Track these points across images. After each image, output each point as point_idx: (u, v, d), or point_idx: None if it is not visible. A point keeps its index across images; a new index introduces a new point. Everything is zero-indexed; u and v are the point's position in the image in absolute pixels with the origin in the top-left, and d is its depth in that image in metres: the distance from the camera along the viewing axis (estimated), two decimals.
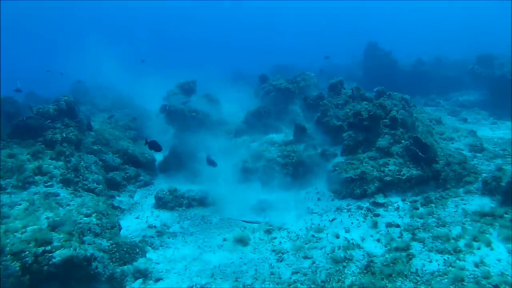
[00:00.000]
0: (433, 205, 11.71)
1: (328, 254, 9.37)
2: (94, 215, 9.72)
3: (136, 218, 12.06)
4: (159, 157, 17.08)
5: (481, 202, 11.39)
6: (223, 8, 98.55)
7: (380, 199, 12.23)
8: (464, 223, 10.31)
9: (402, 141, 13.91)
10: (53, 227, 8.15)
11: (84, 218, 9.39)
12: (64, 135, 13.58)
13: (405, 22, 78.45)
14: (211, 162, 12.35)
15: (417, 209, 11.56)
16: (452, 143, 16.37)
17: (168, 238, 10.64)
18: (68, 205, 10.15)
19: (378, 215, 11.39)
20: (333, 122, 15.51)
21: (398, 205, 11.92)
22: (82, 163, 12.91)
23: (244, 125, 17.91)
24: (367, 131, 14.37)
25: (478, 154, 15.41)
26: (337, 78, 17.99)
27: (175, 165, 16.06)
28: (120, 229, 10.01)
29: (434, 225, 10.43)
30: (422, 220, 10.78)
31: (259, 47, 68.22)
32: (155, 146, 11.76)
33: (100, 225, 9.38)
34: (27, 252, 7.15)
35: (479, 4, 75.92)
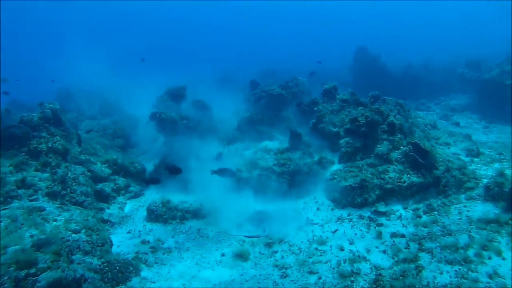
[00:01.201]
0: (436, 212, 11.33)
1: (334, 268, 8.86)
2: (83, 231, 9.00)
3: (128, 232, 11.34)
4: (149, 166, 16.38)
5: (484, 209, 11.06)
6: (209, 10, 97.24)
7: (381, 207, 11.80)
8: (470, 231, 9.92)
9: (401, 147, 13.54)
10: (38, 246, 7.46)
11: (73, 235, 8.66)
12: (50, 145, 12.84)
13: (395, 25, 78.73)
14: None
15: (420, 217, 11.18)
16: (449, 148, 16.11)
17: (163, 254, 9.97)
18: (55, 220, 9.40)
19: (381, 224, 10.95)
20: (329, 129, 15.09)
21: (400, 213, 11.52)
22: (69, 175, 12.16)
23: (237, 132, 17.36)
24: (365, 138, 13.97)
25: (476, 159, 15.17)
26: (331, 83, 17.62)
27: (166, 175, 15.35)
28: (111, 245, 9.32)
29: (440, 234, 10.03)
30: (427, 229, 10.38)
31: (245, 50, 67.44)
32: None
33: (90, 242, 8.68)
34: (7, 278, 6.43)
35: (467, 5, 76.78)
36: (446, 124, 21.09)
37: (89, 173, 13.15)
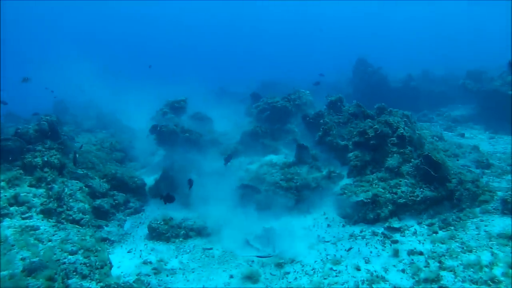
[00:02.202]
0: (452, 227, 10.70)
1: None
2: (80, 252, 8.29)
3: (128, 252, 10.59)
4: (149, 181, 15.69)
5: (503, 223, 10.44)
6: (202, 21, 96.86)
7: (395, 223, 11.17)
8: (491, 247, 9.30)
9: (412, 160, 12.99)
10: (30, 270, 6.77)
11: (69, 257, 7.96)
12: (46, 159, 12.14)
13: (394, 35, 78.89)
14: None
15: (437, 233, 10.54)
16: (458, 160, 15.56)
17: (167, 276, 9.23)
18: (50, 240, 8.71)
19: (396, 241, 10.30)
20: (337, 142, 14.52)
21: (415, 229, 10.88)
22: (66, 190, 11.45)
23: (240, 145, 16.75)
24: (374, 151, 13.42)
25: (487, 171, 14.62)
26: (336, 95, 17.14)
27: (167, 190, 14.65)
28: (111, 267, 8.57)
29: (459, 250, 9.40)
30: (445, 245, 9.74)
31: (241, 60, 67.01)
32: (169, 198, 11.05)
33: (88, 264, 7.95)
34: None
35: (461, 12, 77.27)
36: (451, 135, 20.61)
37: (86, 189, 12.43)
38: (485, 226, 10.55)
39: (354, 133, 14.35)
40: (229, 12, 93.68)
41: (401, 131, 13.64)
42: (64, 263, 7.63)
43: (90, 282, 7.60)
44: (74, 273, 7.53)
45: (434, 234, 10.47)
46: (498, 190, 12.57)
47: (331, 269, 9.08)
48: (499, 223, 10.54)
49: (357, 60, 30.44)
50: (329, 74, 32.91)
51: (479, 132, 21.32)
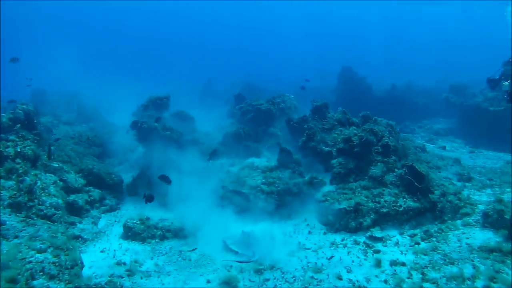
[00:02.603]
0: (434, 239, 10.62)
1: None
2: (50, 250, 7.72)
3: (102, 251, 10.05)
4: (127, 178, 15.13)
5: (484, 237, 10.44)
6: (188, 21, 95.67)
7: (377, 233, 10.99)
8: (473, 260, 9.25)
9: (395, 169, 12.91)
10: None
11: (37, 255, 7.38)
12: (19, 149, 11.46)
13: (381, 42, 79.56)
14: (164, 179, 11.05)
15: (419, 244, 10.43)
16: (439, 172, 15.62)
17: (141, 278, 8.74)
18: (17, 237, 8.09)
19: (378, 251, 10.12)
20: (321, 148, 14.32)
21: (397, 239, 10.74)
22: (38, 184, 10.81)
23: (222, 147, 16.35)
24: (358, 158, 13.27)
25: (467, 184, 14.71)
26: (321, 100, 16.98)
27: (145, 188, 14.15)
28: (82, 267, 8.04)
29: (441, 262, 9.30)
30: (427, 256, 9.63)
31: (225, 61, 66.31)
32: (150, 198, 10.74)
33: (57, 264, 7.41)
34: None
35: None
36: (432, 147, 20.78)
37: (61, 183, 11.80)
38: (467, 238, 10.52)
39: (339, 139, 14.17)
40: (218, 12, 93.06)
41: (386, 140, 13.55)
42: (31, 262, 7.07)
43: (58, 283, 7.08)
44: (41, 273, 6.98)
45: (416, 245, 10.35)
46: (479, 203, 12.63)
47: (312, 277, 8.78)
48: (480, 236, 10.53)
49: (342, 68, 30.57)
50: (313, 80, 32.88)
51: (460, 146, 21.58)
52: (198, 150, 16.09)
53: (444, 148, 20.74)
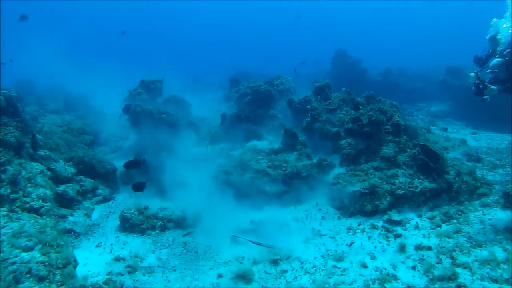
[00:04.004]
0: (455, 221, 9.72)
1: None
2: (38, 247, 6.53)
3: (97, 246, 8.87)
4: (120, 166, 13.86)
5: (507, 218, 9.53)
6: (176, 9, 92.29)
7: (395, 216, 10.05)
8: (501, 242, 8.36)
9: (407, 149, 11.98)
10: None
11: (22, 254, 6.20)
12: (0, 137, 10.15)
13: (372, 28, 78.06)
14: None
15: (440, 226, 9.51)
16: (448, 153, 14.75)
17: (144, 275, 7.61)
18: None
19: (399, 235, 9.18)
20: (328, 128, 13.29)
21: (416, 222, 9.82)
22: (23, 173, 9.53)
23: (221, 131, 15.19)
24: (368, 139, 12.30)
25: (478, 164, 13.86)
26: (324, 81, 15.95)
27: (140, 176, 12.93)
28: (76, 265, 6.88)
29: (469, 245, 8.40)
30: (452, 240, 8.72)
31: (216, 52, 64.31)
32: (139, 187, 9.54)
33: (47, 263, 6.24)
34: None
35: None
36: (434, 129, 19.94)
37: (49, 172, 10.51)
38: (489, 219, 9.63)
39: (346, 119, 13.20)
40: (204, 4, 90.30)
41: (397, 119, 12.63)
42: (15, 263, 5.90)
43: (49, 285, 5.93)
44: (28, 276, 5.82)
45: (438, 228, 9.42)
46: (494, 183, 11.85)
47: (334, 266, 7.80)
48: (502, 217, 9.64)
49: (336, 52, 29.42)
50: (307, 66, 31.76)
51: (461, 128, 20.82)
52: (196, 134, 14.93)
53: (445, 130, 19.94)
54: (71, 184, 11.04)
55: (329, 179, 11.57)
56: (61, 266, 6.37)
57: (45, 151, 11.47)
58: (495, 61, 9.86)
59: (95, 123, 17.71)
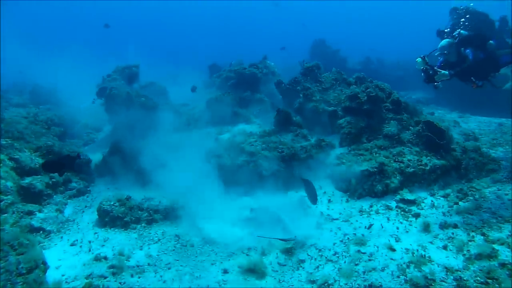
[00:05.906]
0: (471, 198, 8.74)
1: (399, 277, 5.72)
2: None
3: (72, 245, 7.20)
4: (95, 158, 12.12)
5: None
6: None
7: (407, 195, 8.95)
8: None
9: (410, 127, 10.97)
10: None
11: None
12: None
13: (350, 19, 76.97)
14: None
15: (457, 204, 8.49)
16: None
17: (132, 276, 6.05)
18: None
19: (418, 215, 8.08)
20: (323, 108, 12.10)
21: (431, 201, 8.74)
22: None
23: (206, 115, 13.70)
24: (368, 117, 11.19)
25: (476, 144, 13.05)
26: (313, 61, 14.77)
27: (119, 167, 11.27)
28: (45, 269, 5.27)
29: (495, 221, 7.42)
30: (475, 216, 7.72)
31: (182, 46, 61.31)
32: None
33: (4, 269, 4.65)
34: None
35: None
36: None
37: (11, 163, 8.73)
38: (506, 195, 8.69)
39: (342, 98, 12.04)
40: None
41: (396, 95, 11.65)
42: None
43: None
44: None
45: (456, 206, 8.39)
46: (499, 159, 11.03)
47: (358, 251, 6.54)
48: None
49: (314, 41, 28.36)
50: (285, 58, 30.59)
51: (447, 112, 20.17)
52: (179, 119, 13.37)
53: (432, 114, 19.19)
54: (39, 176, 9.24)
55: (331, 160, 10.33)
56: (24, 271, 4.78)
57: (6, 139, 9.62)
58: (443, 42, 8.82)
59: (66, 114, 15.74)
